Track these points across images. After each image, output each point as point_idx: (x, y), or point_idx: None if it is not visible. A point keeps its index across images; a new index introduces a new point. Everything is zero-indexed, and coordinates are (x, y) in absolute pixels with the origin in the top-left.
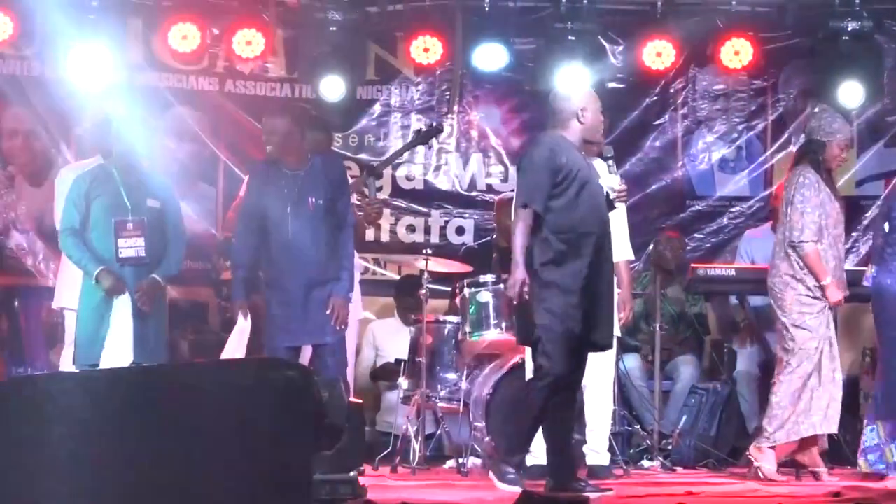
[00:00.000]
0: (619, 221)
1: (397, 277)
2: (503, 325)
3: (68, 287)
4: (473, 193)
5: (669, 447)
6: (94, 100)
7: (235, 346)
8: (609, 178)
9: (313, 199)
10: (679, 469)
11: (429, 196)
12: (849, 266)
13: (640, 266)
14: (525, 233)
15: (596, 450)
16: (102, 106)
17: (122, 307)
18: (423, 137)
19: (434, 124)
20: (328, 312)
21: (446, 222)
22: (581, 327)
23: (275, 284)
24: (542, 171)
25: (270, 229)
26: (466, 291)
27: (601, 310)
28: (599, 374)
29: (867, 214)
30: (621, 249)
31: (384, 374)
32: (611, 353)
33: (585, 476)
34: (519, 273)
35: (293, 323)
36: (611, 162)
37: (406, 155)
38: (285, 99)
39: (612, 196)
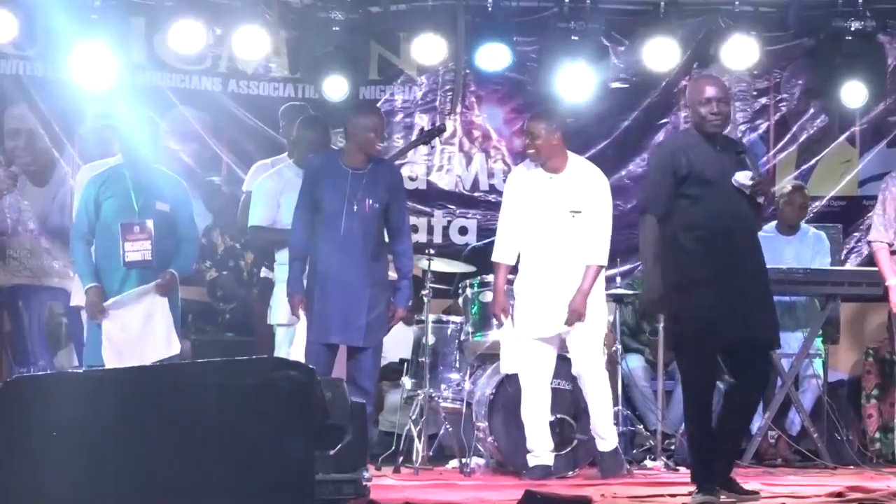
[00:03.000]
0: (590, 225)
1: None
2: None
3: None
4: (476, 194)
5: (672, 447)
6: (96, 99)
7: (302, 342)
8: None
9: (370, 202)
10: (682, 469)
11: (431, 196)
12: (850, 266)
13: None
14: (648, 239)
15: (602, 435)
16: (106, 109)
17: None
18: (426, 137)
19: (437, 124)
20: (391, 322)
21: (449, 222)
22: (721, 325)
23: (317, 280)
24: (662, 174)
25: (319, 224)
26: (469, 291)
27: (747, 306)
28: (586, 359)
29: (870, 214)
30: (589, 253)
31: (388, 373)
32: (596, 340)
33: (594, 475)
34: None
35: (333, 321)
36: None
37: (409, 155)
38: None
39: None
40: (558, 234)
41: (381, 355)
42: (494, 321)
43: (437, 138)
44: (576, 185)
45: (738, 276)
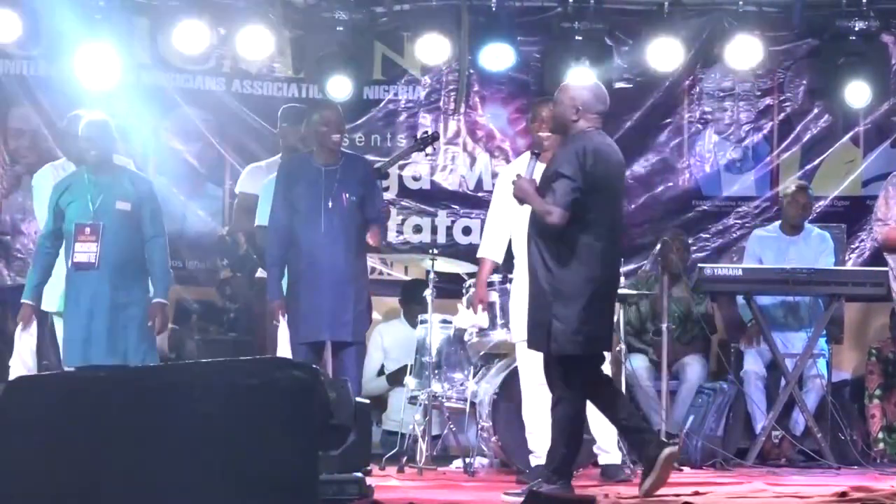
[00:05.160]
0: None
1: (404, 277)
2: (509, 324)
3: (47, 291)
4: (480, 194)
5: (676, 447)
6: (100, 100)
7: (285, 346)
8: None
9: (346, 195)
10: (686, 469)
11: (435, 196)
12: (853, 266)
13: (648, 266)
14: None
15: (606, 449)
16: (106, 105)
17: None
18: (420, 145)
19: (430, 132)
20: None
21: (453, 222)
22: None
23: (301, 279)
24: None
25: (299, 224)
26: (472, 291)
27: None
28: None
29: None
30: None
31: (402, 376)
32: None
33: (599, 475)
34: None
35: (318, 318)
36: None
37: (413, 154)
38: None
39: None
40: None
41: (365, 354)
42: (471, 311)
43: (430, 146)
44: None
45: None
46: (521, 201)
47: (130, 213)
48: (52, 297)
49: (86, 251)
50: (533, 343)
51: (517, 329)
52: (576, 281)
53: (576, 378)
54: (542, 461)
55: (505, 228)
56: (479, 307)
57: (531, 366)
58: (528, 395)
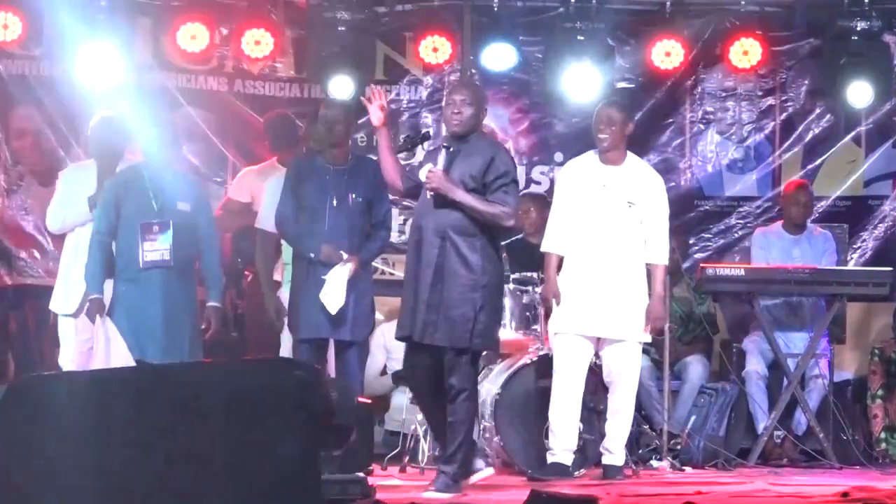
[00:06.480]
0: (649, 221)
1: None
2: (513, 324)
3: (58, 291)
4: None
5: (678, 447)
6: (102, 99)
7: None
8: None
9: (353, 196)
10: (688, 469)
11: None
12: (852, 266)
13: None
14: None
15: (611, 450)
16: (109, 105)
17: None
18: (409, 144)
19: (422, 132)
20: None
21: None
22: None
23: (304, 277)
24: None
25: (304, 222)
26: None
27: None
28: (624, 371)
29: (875, 214)
30: (655, 252)
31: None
32: (636, 356)
33: (600, 475)
34: None
35: (320, 316)
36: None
37: (415, 154)
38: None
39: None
40: (613, 225)
41: (368, 353)
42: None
43: (420, 145)
44: (633, 179)
45: (421, 277)
46: (440, 194)
47: (189, 215)
48: (60, 300)
49: (158, 248)
50: (444, 338)
51: (577, 319)
52: (495, 277)
53: (476, 371)
54: (559, 458)
55: (570, 222)
56: (553, 302)
57: (571, 361)
58: (560, 391)
